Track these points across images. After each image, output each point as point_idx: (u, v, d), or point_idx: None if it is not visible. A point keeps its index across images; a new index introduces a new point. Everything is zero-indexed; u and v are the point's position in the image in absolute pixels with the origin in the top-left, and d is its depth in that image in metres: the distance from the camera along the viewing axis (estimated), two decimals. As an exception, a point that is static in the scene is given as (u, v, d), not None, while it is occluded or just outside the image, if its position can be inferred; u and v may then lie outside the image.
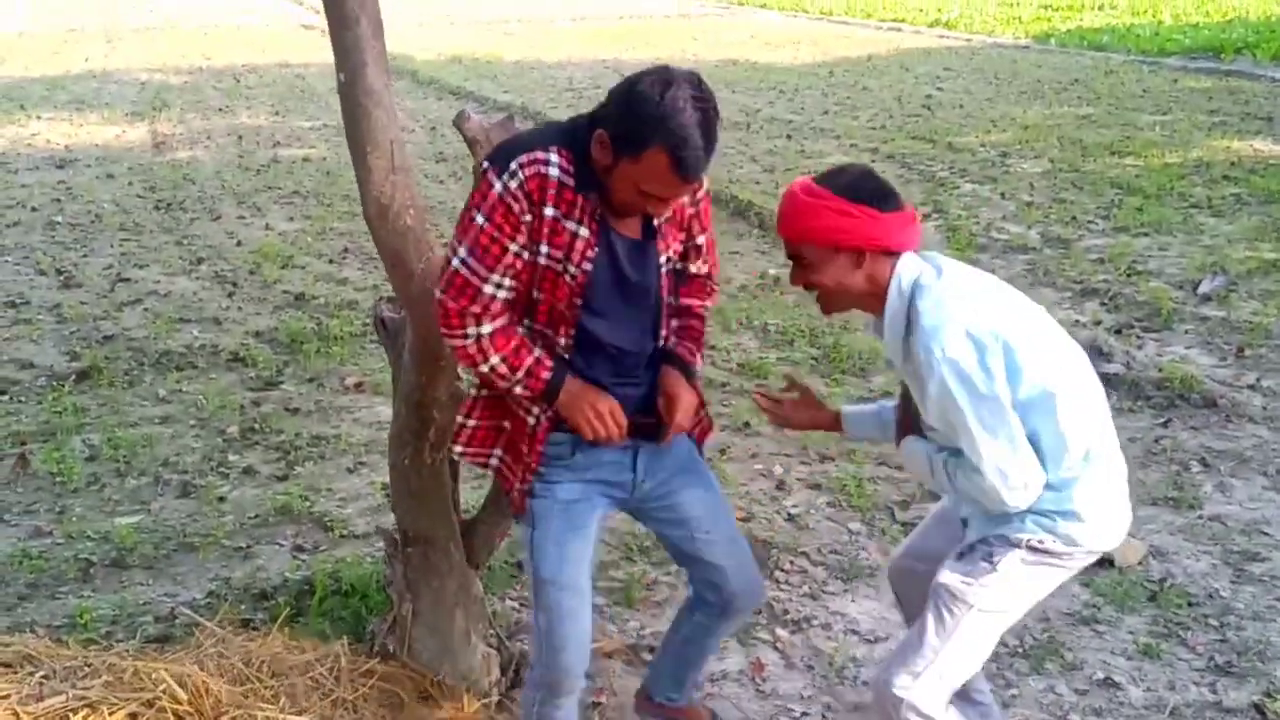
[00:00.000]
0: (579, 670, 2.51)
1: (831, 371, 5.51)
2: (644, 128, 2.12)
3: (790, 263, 2.41)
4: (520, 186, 2.17)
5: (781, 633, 3.53)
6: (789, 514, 4.26)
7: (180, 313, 6.34)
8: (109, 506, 4.30)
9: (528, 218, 2.19)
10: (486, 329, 2.26)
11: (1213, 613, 3.58)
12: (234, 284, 6.86)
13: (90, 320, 6.23)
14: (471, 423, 2.48)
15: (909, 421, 2.48)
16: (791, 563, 3.92)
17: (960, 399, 2.19)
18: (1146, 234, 7.48)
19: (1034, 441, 2.26)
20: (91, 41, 18.96)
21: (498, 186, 2.18)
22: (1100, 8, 21.93)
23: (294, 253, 7.40)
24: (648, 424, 2.45)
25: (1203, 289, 6.35)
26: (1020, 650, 3.42)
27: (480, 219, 2.20)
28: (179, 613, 3.53)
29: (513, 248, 2.21)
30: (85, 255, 7.46)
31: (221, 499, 4.35)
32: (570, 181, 2.20)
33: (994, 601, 2.39)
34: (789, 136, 11.01)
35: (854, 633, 3.53)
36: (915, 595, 2.63)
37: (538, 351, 2.31)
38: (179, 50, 17.97)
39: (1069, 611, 3.60)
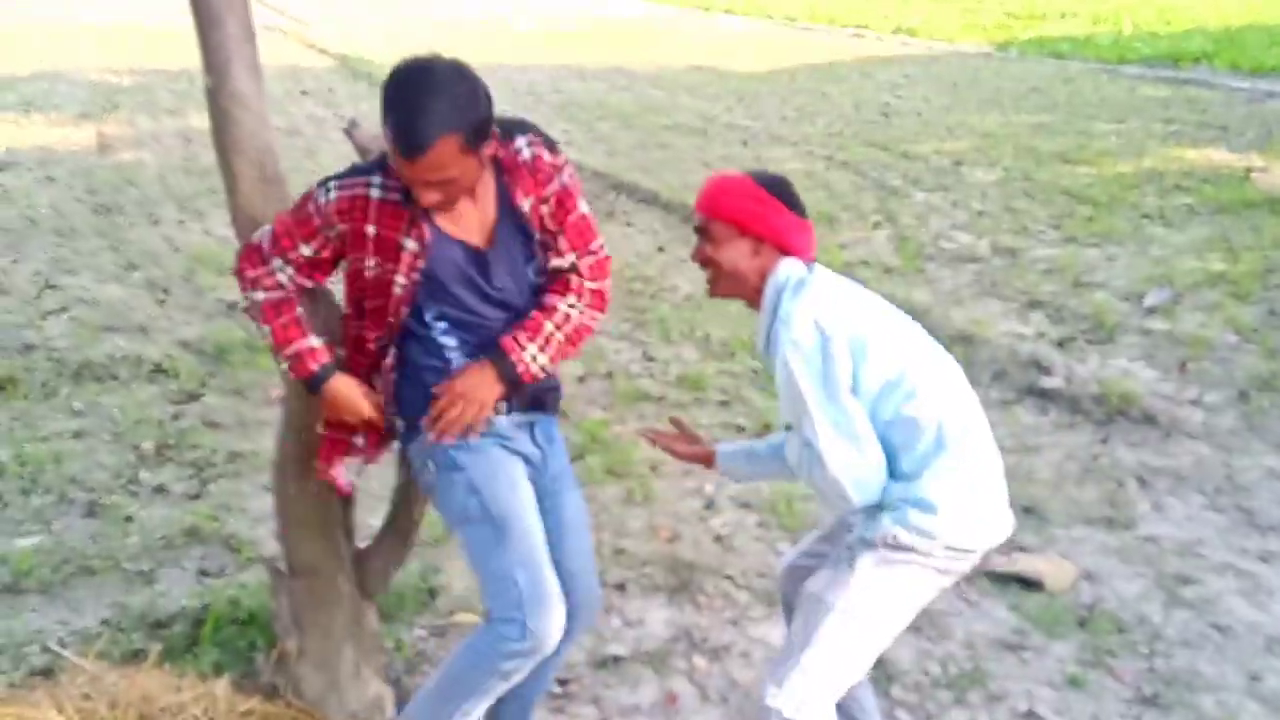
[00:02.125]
0: (562, 620, 2.38)
1: (769, 384, 5.38)
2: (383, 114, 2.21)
3: (697, 237, 2.48)
4: (327, 204, 2.31)
5: (699, 661, 3.41)
6: (717, 534, 4.13)
7: (107, 321, 6.15)
8: (9, 527, 4.12)
9: (330, 233, 2.33)
10: (259, 295, 2.44)
11: (1142, 639, 3.49)
12: (165, 291, 6.67)
13: (12, 329, 6.03)
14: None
15: None
16: (715, 586, 3.80)
17: (802, 382, 2.25)
18: (1096, 244, 7.41)
19: (883, 430, 2.29)
20: (46, 40, 18.64)
21: (311, 196, 2.35)
22: (1062, 16, 21.97)
23: (230, 258, 7.19)
24: (540, 396, 2.53)
25: (1148, 301, 6.28)
26: (943, 680, 3.31)
27: (288, 214, 2.40)
28: (66, 642, 3.36)
29: (304, 250, 2.37)
30: (15, 260, 7.24)
31: (128, 519, 4.18)
32: (395, 198, 2.28)
33: (855, 603, 2.35)
34: (745, 143, 10.91)
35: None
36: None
37: (312, 340, 2.44)
38: (134, 50, 17.69)
39: (996, 638, 3.49)
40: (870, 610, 2.36)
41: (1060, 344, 5.76)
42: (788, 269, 2.41)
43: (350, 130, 2.65)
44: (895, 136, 11.00)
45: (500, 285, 2.38)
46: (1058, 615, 3.58)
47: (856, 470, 2.26)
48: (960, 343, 5.65)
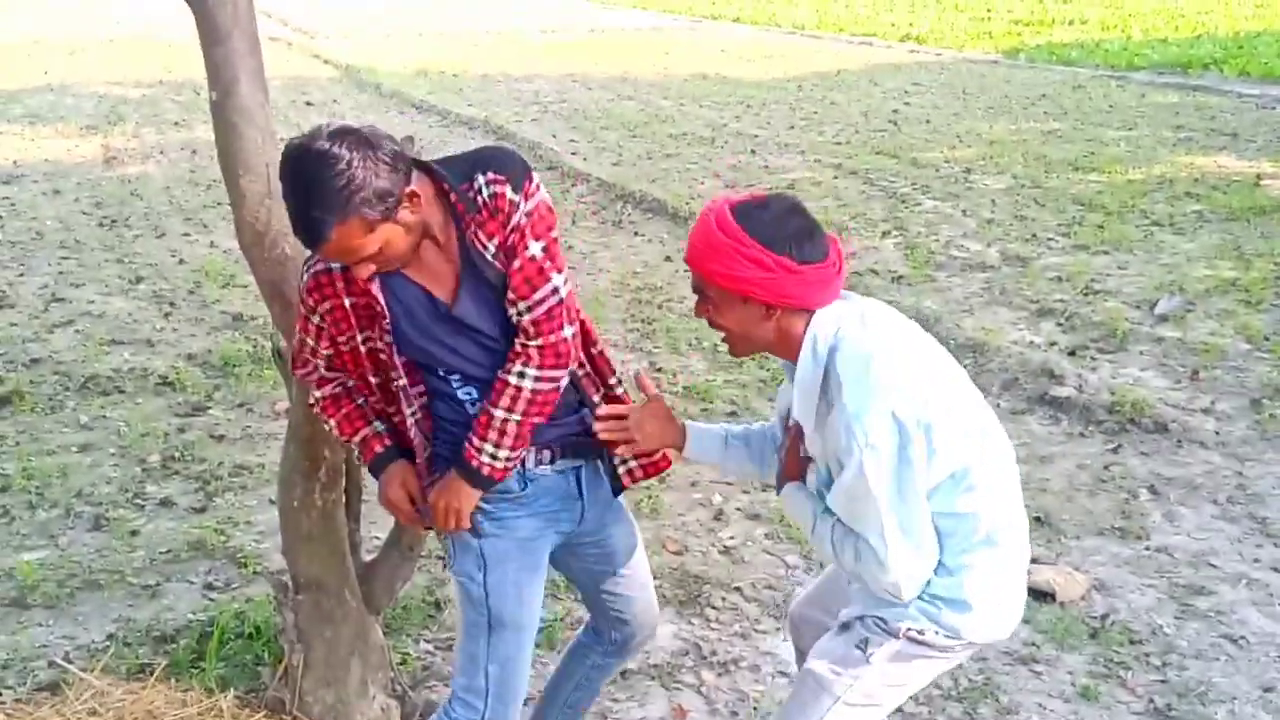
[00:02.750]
0: None
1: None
2: None
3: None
4: (302, 288, 2.23)
5: (707, 675, 3.38)
6: (725, 546, 4.11)
7: (113, 334, 6.16)
8: (16, 541, 4.12)
9: (315, 319, 2.24)
10: (317, 393, 2.39)
11: (1155, 651, 3.45)
12: (171, 304, 6.68)
13: (19, 342, 6.04)
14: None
15: (794, 465, 2.28)
16: (724, 599, 3.77)
17: (876, 489, 2.01)
18: (1106, 252, 7.38)
19: (934, 521, 2.09)
20: (53, 53, 18.71)
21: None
22: (1071, 23, 21.94)
23: (236, 271, 7.21)
24: (583, 441, 2.38)
25: (1160, 309, 6.24)
26: (954, 693, 3.28)
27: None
28: (72, 658, 3.34)
29: (308, 341, 2.30)
30: (21, 274, 7.26)
31: (134, 533, 4.17)
32: None
33: (863, 695, 2.20)
34: (753, 151, 10.89)
35: (783, 675, 3.37)
36: (811, 644, 2.47)
37: (372, 428, 2.37)
38: (141, 63, 17.75)
39: (1007, 650, 3.46)
40: (879, 699, 2.23)
41: (1071, 352, 5.72)
42: (824, 327, 2.10)
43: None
44: (904, 144, 10.98)
45: (489, 334, 2.20)
46: (1069, 627, 3.55)
47: (915, 570, 2.08)
48: (970, 351, 5.62)
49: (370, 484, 2.81)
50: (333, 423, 2.37)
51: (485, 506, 2.29)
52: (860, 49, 19.80)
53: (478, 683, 2.34)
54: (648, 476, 2.51)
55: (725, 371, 5.67)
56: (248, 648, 3.31)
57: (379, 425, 2.34)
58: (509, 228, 2.10)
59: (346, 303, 2.17)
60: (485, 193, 2.08)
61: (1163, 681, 3.31)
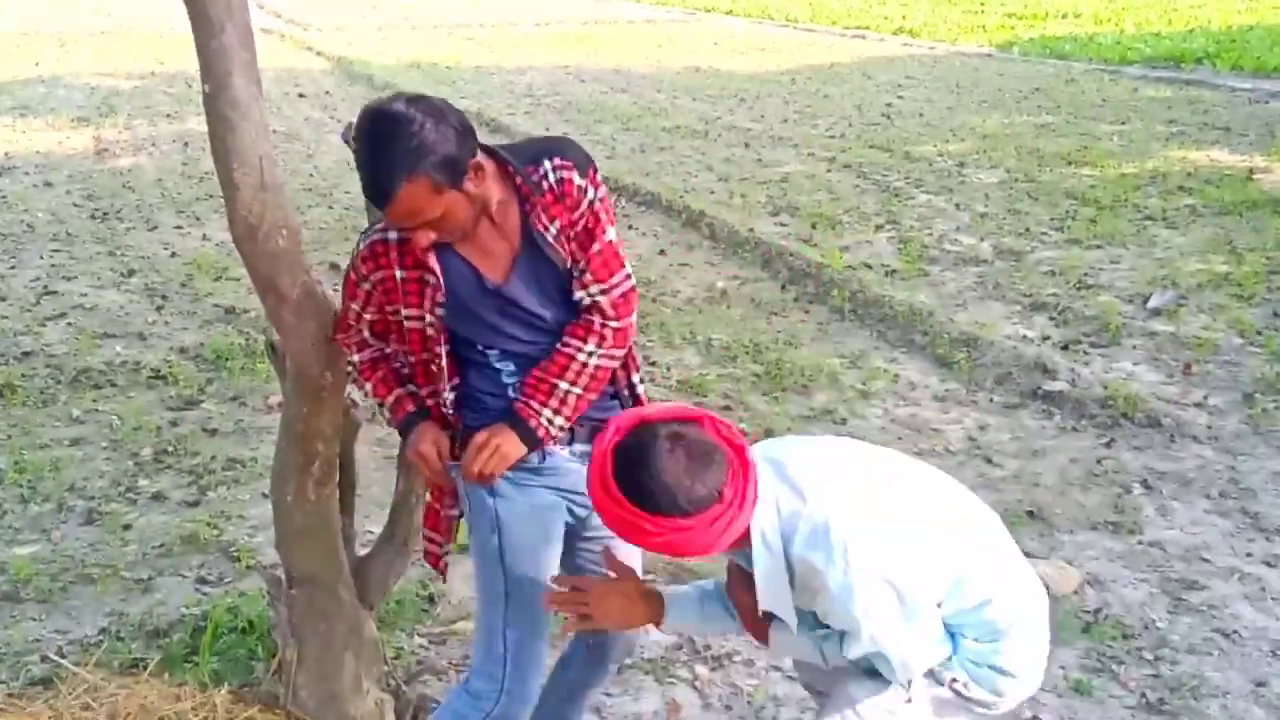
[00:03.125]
0: (537, 696, 2.42)
1: (773, 389, 5.36)
2: None
3: None
4: (356, 256, 2.30)
5: (701, 670, 3.38)
6: (719, 540, 4.10)
7: (105, 327, 6.14)
8: (8, 535, 4.10)
9: (366, 285, 2.31)
10: (355, 357, 2.45)
11: (1147, 645, 3.46)
12: (164, 297, 6.66)
13: (10, 335, 6.02)
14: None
15: (758, 624, 2.22)
16: (717, 593, 3.76)
17: (888, 643, 2.04)
18: (1099, 246, 7.39)
19: (959, 621, 2.12)
20: (44, 45, 18.63)
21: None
22: (1064, 16, 21.96)
23: (229, 264, 7.19)
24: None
25: (1152, 303, 6.25)
26: (948, 687, 3.27)
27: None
28: (65, 652, 3.33)
29: (354, 306, 2.37)
30: (13, 267, 7.23)
31: (127, 527, 4.16)
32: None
33: None
34: (747, 145, 10.89)
35: (777, 669, 3.37)
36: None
37: (408, 388, 2.42)
38: (132, 55, 17.69)
39: (1001, 645, 3.46)
40: None
41: (1064, 347, 5.73)
42: (767, 518, 1.99)
43: (348, 136, 2.61)
44: (897, 138, 10.97)
45: (537, 313, 2.26)
46: (1063, 621, 3.55)
47: (930, 660, 2.12)
48: (964, 345, 5.63)
49: (368, 481, 2.81)
50: (369, 385, 2.43)
51: (508, 475, 2.33)
52: (853, 42, 19.79)
53: (496, 650, 2.36)
54: None
55: (719, 366, 5.67)
56: (241, 642, 3.30)
57: (413, 387, 2.40)
58: (578, 211, 2.20)
59: (398, 275, 2.23)
60: (552, 177, 2.18)
61: (1155, 676, 3.31)
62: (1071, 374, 5.28)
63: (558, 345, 2.28)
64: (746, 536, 2.02)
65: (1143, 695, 3.23)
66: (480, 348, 2.31)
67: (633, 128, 11.81)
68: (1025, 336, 5.88)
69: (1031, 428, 4.93)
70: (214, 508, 4.29)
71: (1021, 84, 14.27)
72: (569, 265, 2.24)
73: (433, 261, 2.19)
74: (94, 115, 12.53)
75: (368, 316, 2.36)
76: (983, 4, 24.59)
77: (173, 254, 7.52)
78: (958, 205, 8.52)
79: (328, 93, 14.49)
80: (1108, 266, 6.99)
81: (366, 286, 2.30)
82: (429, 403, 2.41)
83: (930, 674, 2.17)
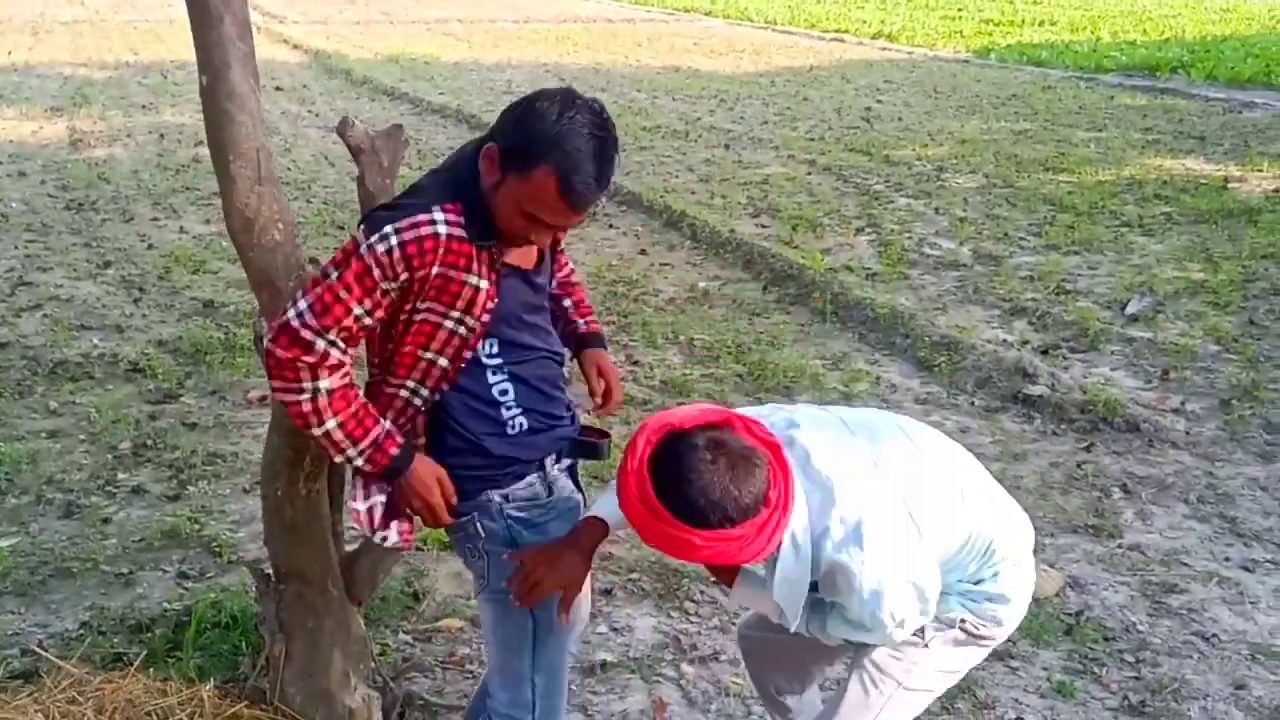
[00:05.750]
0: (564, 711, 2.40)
1: (756, 390, 5.37)
2: (537, 144, 1.98)
3: None
4: (389, 253, 2.01)
5: (687, 669, 3.39)
6: (703, 540, 4.11)
7: (81, 319, 6.07)
8: (-15, 527, 4.06)
9: (389, 285, 2.03)
10: (325, 384, 2.05)
11: (1129, 648, 3.49)
12: (141, 289, 6.59)
13: (-15, 326, 5.95)
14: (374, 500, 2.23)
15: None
16: (702, 592, 3.77)
17: (896, 637, 2.12)
18: (1077, 252, 7.45)
19: (956, 571, 2.19)
20: (17, 34, 18.42)
21: (361, 249, 2.03)
22: (1040, 23, 22.13)
23: (207, 257, 7.13)
24: (588, 442, 2.35)
25: (1130, 309, 6.31)
26: (932, 688, 3.29)
27: (333, 276, 2.04)
28: (45, 645, 3.30)
29: (356, 310, 2.04)
30: (-13, 256, 7.15)
31: (106, 520, 4.11)
32: (461, 234, 2.04)
33: (922, 680, 2.27)
34: (727, 146, 10.91)
35: (762, 668, 3.38)
36: (768, 662, 2.55)
37: (386, 423, 2.13)
38: (106, 45, 17.51)
39: (984, 646, 3.48)
40: (932, 685, 2.30)
41: (1044, 351, 5.77)
42: (798, 519, 1.97)
43: (343, 130, 2.59)
44: (877, 141, 11.02)
45: (542, 305, 2.27)
46: (1045, 623, 3.58)
47: (916, 624, 2.14)
48: (944, 349, 5.66)
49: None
50: (334, 421, 2.05)
51: (521, 516, 2.22)
52: (832, 45, 19.87)
53: (523, 696, 2.29)
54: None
55: (702, 366, 5.68)
56: (225, 638, 3.28)
57: (386, 423, 2.13)
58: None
59: (434, 271, 2.02)
60: None
61: (1137, 678, 3.35)
62: (1051, 378, 5.32)
63: (570, 281, 2.49)
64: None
65: (1125, 697, 3.26)
66: (482, 355, 2.17)
67: (613, 127, 11.79)
68: (1005, 341, 5.92)
69: (1012, 431, 4.96)
70: (194, 502, 4.25)
71: (999, 90, 14.37)
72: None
73: (496, 264, 2.11)
74: (68, 105, 12.39)
75: (359, 313, 2.04)
76: (960, 10, 24.76)
77: (149, 246, 7.44)
78: (937, 210, 8.57)
79: (305, 86, 14.40)
80: (1086, 272, 7.05)
81: (391, 287, 2.03)
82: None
83: (938, 620, 2.21)
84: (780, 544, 1.96)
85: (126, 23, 20.08)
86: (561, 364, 2.33)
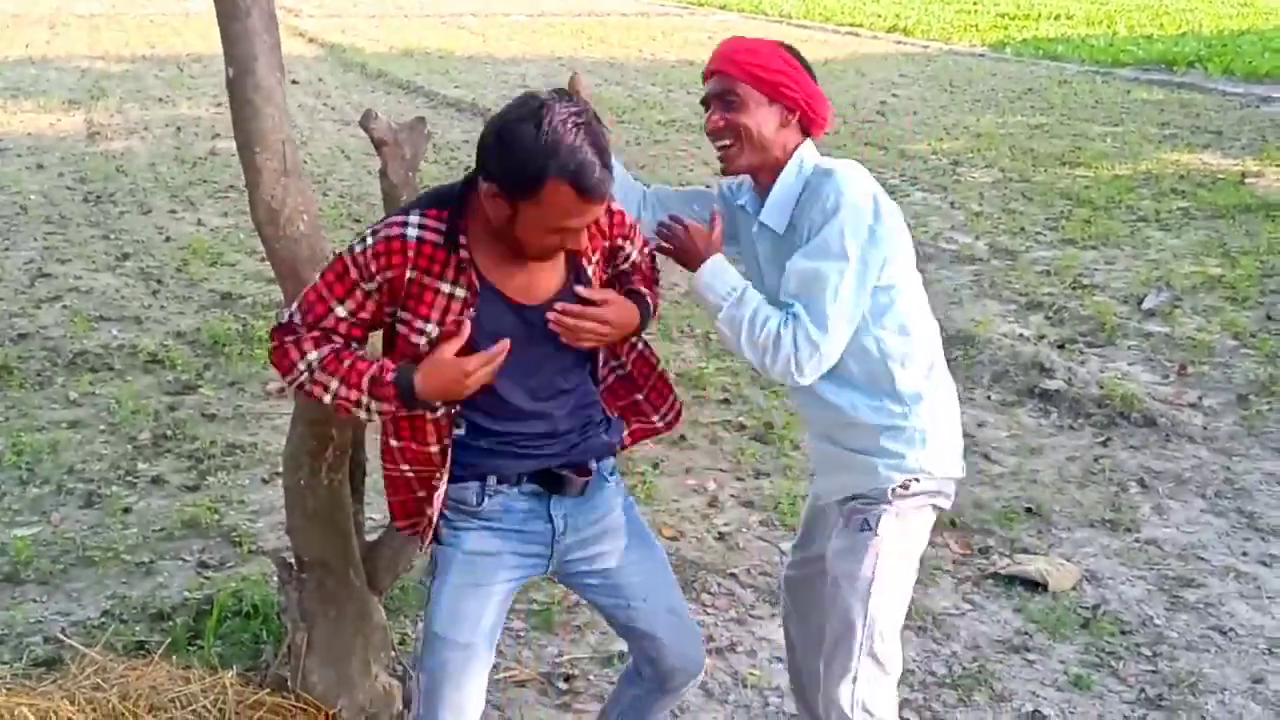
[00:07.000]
0: None
1: (771, 383, 5.38)
2: (533, 163, 1.93)
3: (712, 103, 2.30)
4: (364, 252, 2.04)
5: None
6: (720, 532, 4.12)
7: (100, 311, 6.12)
8: (7, 516, 4.09)
9: (367, 285, 2.05)
10: (313, 355, 2.09)
11: (1145, 641, 3.49)
12: (159, 281, 6.63)
13: (5, 317, 5.99)
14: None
15: (698, 249, 2.43)
16: (719, 585, 3.79)
17: (849, 247, 2.14)
18: (1094, 247, 7.44)
19: (879, 337, 2.23)
20: (34, 28, 18.51)
21: (344, 253, 2.08)
22: (1056, 17, 22.05)
23: (224, 249, 7.17)
24: (565, 477, 2.24)
25: (1147, 304, 6.30)
26: (949, 680, 3.31)
27: (319, 281, 2.10)
28: (68, 633, 3.33)
29: (339, 310, 2.07)
30: (6, 249, 7.20)
31: (126, 510, 4.15)
32: (434, 239, 2.03)
33: (889, 566, 2.30)
34: (741, 140, 10.89)
35: (779, 659, 3.38)
36: (808, 603, 2.58)
37: (377, 364, 2.10)
38: (123, 38, 17.58)
39: (1000, 639, 3.49)
40: (900, 563, 2.32)
41: (1061, 346, 5.77)
42: (812, 153, 2.28)
43: (367, 123, 2.61)
44: (892, 135, 11.01)
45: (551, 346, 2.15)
46: (1061, 617, 3.59)
47: (829, 350, 2.18)
48: (961, 344, 5.66)
49: (378, 466, 2.80)
50: (335, 380, 2.07)
51: (447, 514, 2.22)
52: (847, 39, 19.84)
53: (416, 690, 2.31)
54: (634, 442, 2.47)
55: (718, 359, 5.69)
56: (245, 626, 3.31)
57: (377, 364, 2.10)
58: (605, 235, 2.30)
59: (409, 275, 2.04)
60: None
61: (1154, 671, 3.35)
62: (1068, 373, 5.31)
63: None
64: (780, 165, 2.26)
65: (1142, 690, 3.26)
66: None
67: (628, 120, 11.81)
68: (1022, 335, 5.91)
69: (1029, 425, 4.96)
70: (214, 492, 4.28)
71: (1014, 84, 14.33)
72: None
73: (474, 275, 2.08)
74: (85, 98, 12.46)
75: (343, 314, 2.07)
76: (975, 3, 24.68)
77: (167, 238, 7.49)
78: (953, 204, 8.56)
79: (321, 80, 14.43)
80: (1102, 267, 7.04)
81: (370, 287, 2.05)
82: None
83: (872, 502, 2.27)
84: (790, 148, 2.26)
85: (143, 16, 20.17)
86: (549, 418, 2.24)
